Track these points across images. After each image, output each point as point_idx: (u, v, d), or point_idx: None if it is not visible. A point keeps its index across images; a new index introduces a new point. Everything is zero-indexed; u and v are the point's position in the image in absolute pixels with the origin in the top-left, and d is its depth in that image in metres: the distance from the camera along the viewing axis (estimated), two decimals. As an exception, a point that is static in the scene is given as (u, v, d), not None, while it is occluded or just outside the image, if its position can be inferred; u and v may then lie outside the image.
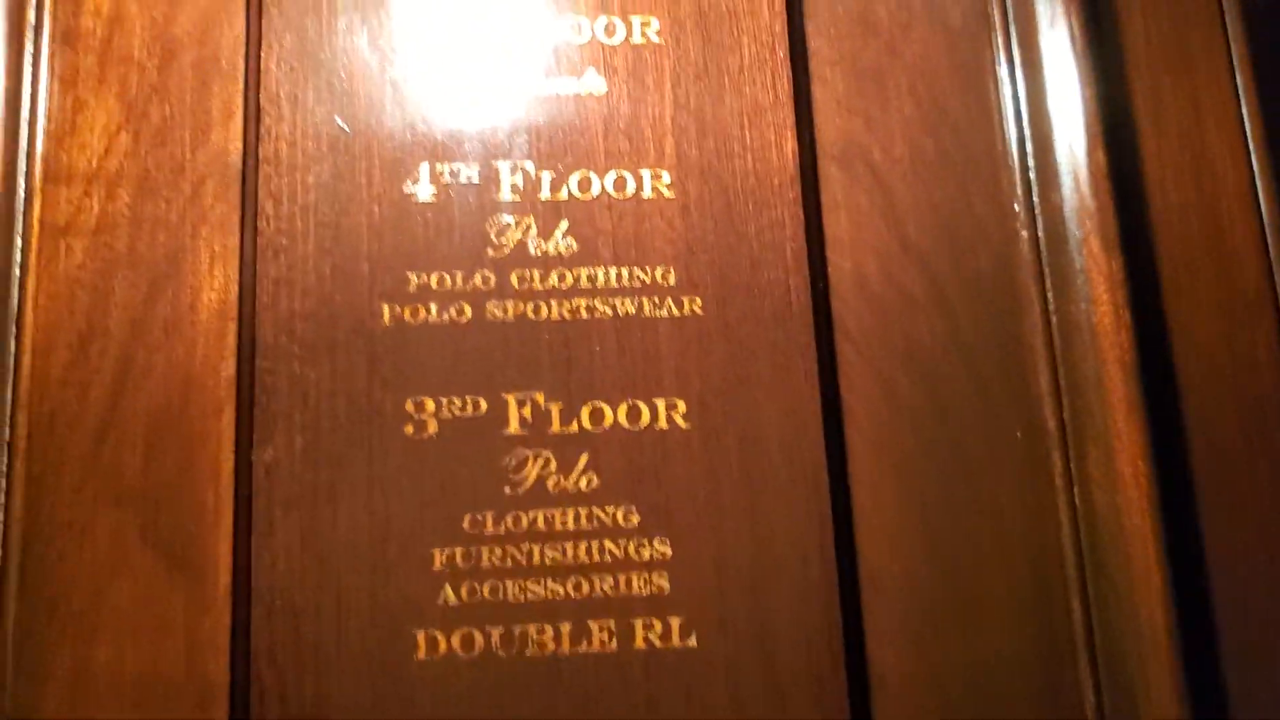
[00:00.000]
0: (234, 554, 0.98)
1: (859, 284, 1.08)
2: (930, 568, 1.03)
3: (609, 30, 1.10)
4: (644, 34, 1.10)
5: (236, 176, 1.06)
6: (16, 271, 1.02)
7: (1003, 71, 1.14)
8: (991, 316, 1.08)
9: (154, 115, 1.08)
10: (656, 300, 1.05)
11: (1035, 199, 1.09)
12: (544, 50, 1.10)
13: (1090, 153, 1.07)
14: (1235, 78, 1.14)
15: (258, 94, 1.07)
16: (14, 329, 1.01)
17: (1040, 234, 1.08)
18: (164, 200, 1.06)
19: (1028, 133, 1.11)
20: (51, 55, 1.08)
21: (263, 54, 1.07)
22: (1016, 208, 1.10)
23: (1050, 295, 1.07)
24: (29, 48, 1.07)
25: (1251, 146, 1.12)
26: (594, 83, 1.09)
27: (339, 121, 1.06)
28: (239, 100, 1.08)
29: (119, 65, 1.08)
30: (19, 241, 1.03)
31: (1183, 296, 1.10)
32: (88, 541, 0.98)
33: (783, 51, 1.11)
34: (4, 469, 0.98)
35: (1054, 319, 1.06)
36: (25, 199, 1.04)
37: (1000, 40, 1.14)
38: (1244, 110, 1.13)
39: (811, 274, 1.07)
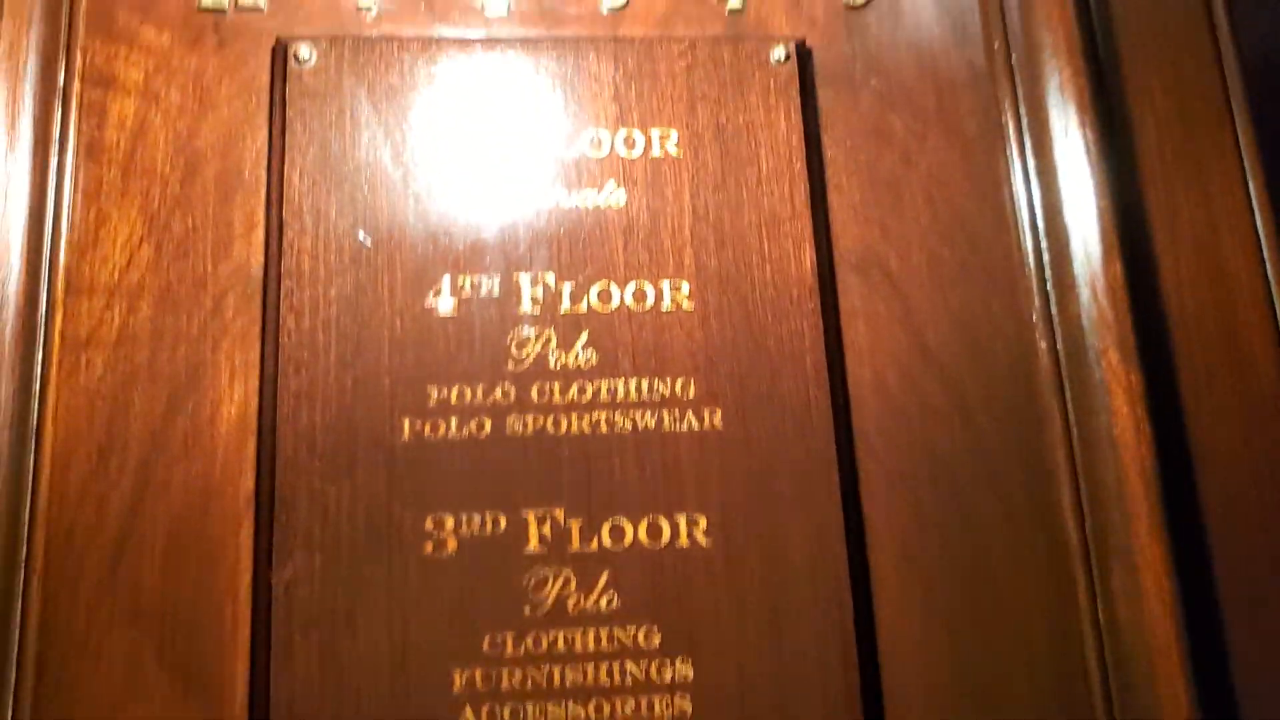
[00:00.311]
0: (251, 675, 0.97)
1: (880, 394, 1.08)
2: (954, 685, 1.02)
3: (629, 143, 1.11)
4: (663, 147, 1.11)
5: (258, 289, 1.07)
6: (37, 385, 1.03)
7: (1018, 181, 1.14)
8: (1013, 428, 1.07)
9: (176, 228, 1.08)
10: (677, 414, 1.04)
11: (1053, 309, 1.09)
12: (565, 163, 1.11)
13: (1106, 263, 1.07)
14: (1248, 185, 1.15)
15: (280, 207, 1.08)
16: (34, 443, 1.01)
17: (1059, 345, 1.08)
18: (185, 313, 1.06)
19: (1044, 242, 1.11)
20: (75, 168, 1.09)
21: (286, 167, 1.08)
22: (1034, 318, 1.10)
23: (1071, 407, 1.06)
24: (54, 160, 1.08)
25: (1266, 253, 1.13)
26: (614, 195, 1.10)
27: (361, 235, 1.07)
28: (261, 213, 1.09)
29: (142, 178, 1.09)
30: (40, 354, 1.04)
31: (1202, 404, 1.10)
32: (103, 663, 0.97)
33: (799, 163, 1.12)
34: (20, 588, 0.97)
35: (1075, 431, 1.06)
36: (47, 312, 1.05)
37: (1015, 150, 1.15)
38: (1258, 217, 1.14)
39: (832, 385, 1.07)
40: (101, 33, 1.13)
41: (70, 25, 1.12)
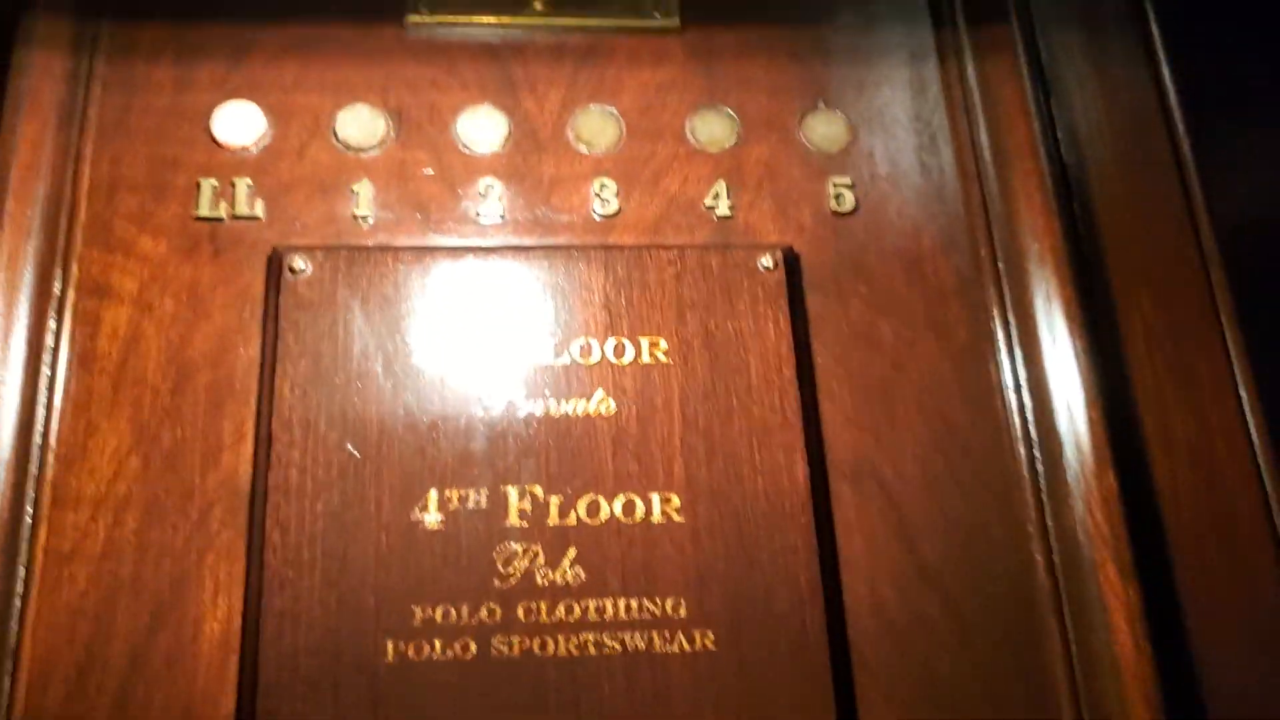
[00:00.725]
0: None
1: (877, 613, 1.06)
2: None
3: (618, 351, 1.12)
4: (653, 354, 1.12)
5: (245, 502, 1.06)
6: (17, 602, 1.01)
7: (1009, 389, 1.15)
8: (1011, 647, 1.05)
9: (165, 439, 1.08)
10: (667, 634, 1.02)
11: (1049, 520, 1.08)
12: (555, 371, 1.11)
13: (1100, 475, 1.07)
14: (1240, 392, 1.14)
15: (270, 419, 1.07)
16: (10, 663, 0.99)
17: (1056, 558, 1.07)
18: (171, 525, 1.05)
19: (1038, 453, 1.11)
20: (67, 378, 1.09)
21: (277, 379, 1.08)
22: (1031, 529, 1.09)
23: (1069, 623, 1.05)
24: (45, 371, 1.09)
25: (1262, 463, 1.11)
26: (604, 403, 1.10)
27: (350, 448, 1.06)
28: (251, 424, 1.09)
29: (133, 387, 1.10)
30: (21, 569, 1.02)
31: (1203, 617, 1.08)
32: None
33: (789, 370, 1.12)
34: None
35: (1074, 648, 1.04)
36: (31, 525, 1.04)
37: (1005, 358, 1.16)
38: (1251, 426, 1.13)
39: (827, 601, 1.05)
40: (99, 243, 1.14)
41: (69, 235, 1.14)
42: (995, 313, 1.18)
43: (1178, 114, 1.20)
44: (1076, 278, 1.17)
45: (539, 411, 1.09)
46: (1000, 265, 1.19)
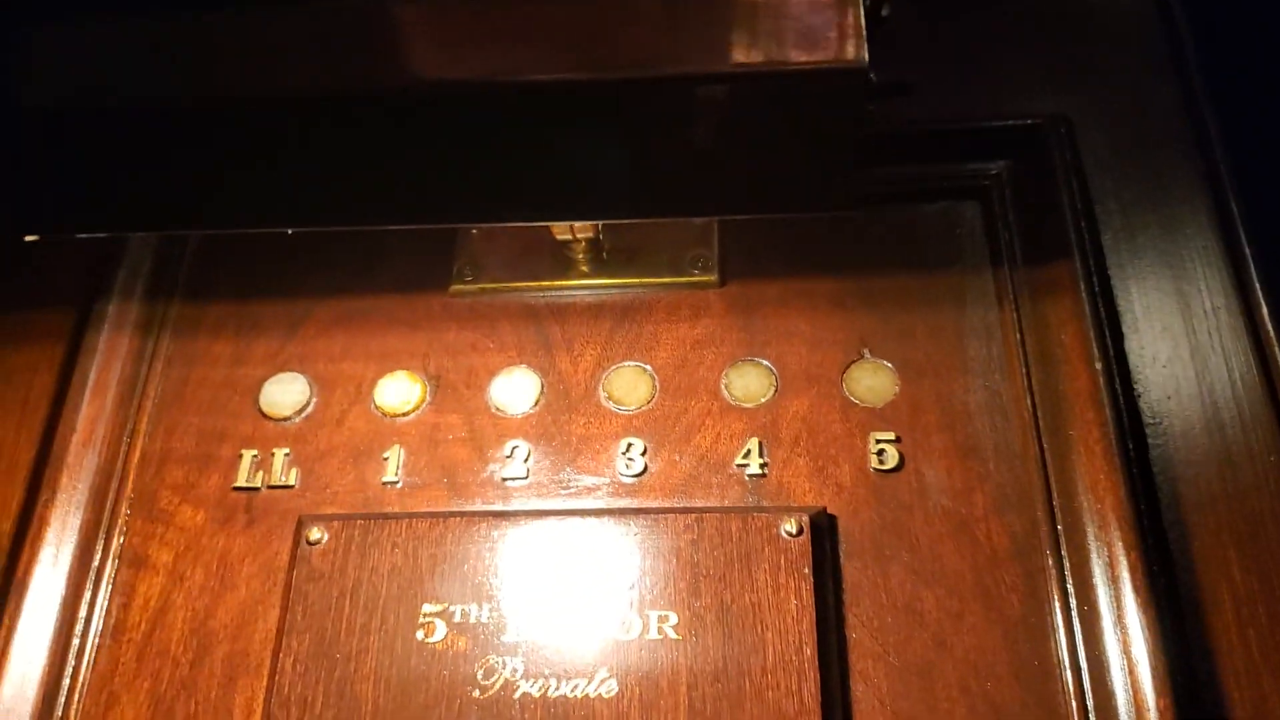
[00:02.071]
0: None
1: None
2: None
3: (625, 626, 1.05)
4: (660, 629, 1.04)
5: (248, 783, 1.04)
6: None
7: (1066, 669, 1.01)
8: None
9: (179, 713, 1.08)
10: None
11: (1111, 832, 0.92)
12: (555, 649, 1.05)
13: (1174, 783, 0.90)
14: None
15: (272, 696, 1.06)
16: None
17: None
18: (177, 806, 1.03)
19: (1098, 752, 0.95)
20: (96, 649, 1.11)
21: (281, 653, 1.07)
22: None
23: None
24: (74, 643, 1.11)
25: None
26: (605, 684, 1.02)
27: (345, 732, 1.03)
28: (260, 700, 1.07)
29: (155, 659, 1.11)
30: None
31: None
32: None
33: (810, 650, 1.02)
34: None
35: None
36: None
37: (1063, 634, 1.02)
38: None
39: None
40: (143, 513, 1.19)
41: (114, 507, 1.18)
42: (1053, 581, 1.05)
43: (1275, 354, 1.08)
44: (1148, 540, 1.03)
45: (535, 692, 1.03)
46: (1059, 528, 1.07)
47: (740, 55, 0.88)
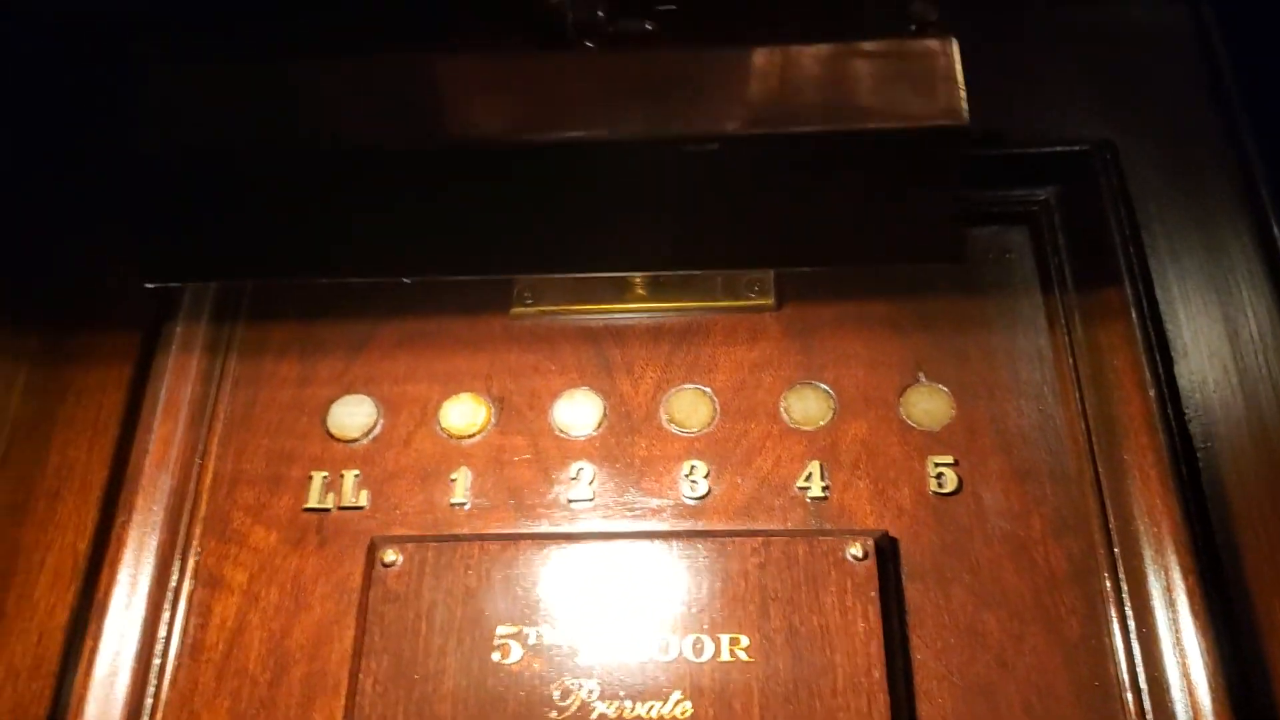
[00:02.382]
0: None
1: None
2: None
3: (697, 648, 1.08)
4: (732, 651, 1.08)
5: (330, 801, 1.07)
6: None
7: (1126, 689, 1.04)
8: None
9: (260, 732, 1.11)
10: None
11: None
12: (631, 670, 1.08)
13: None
14: None
15: (353, 715, 1.09)
16: None
17: None
18: (261, 824, 1.06)
19: (1160, 767, 0.99)
20: (176, 669, 1.14)
21: (361, 674, 1.10)
22: None
23: None
24: (155, 663, 1.14)
25: None
26: (680, 706, 1.06)
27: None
28: (339, 719, 1.10)
29: (234, 678, 1.14)
30: None
31: None
32: None
33: (879, 671, 1.05)
34: None
35: None
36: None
37: (1122, 655, 1.06)
38: None
39: None
40: (217, 534, 1.21)
41: (189, 528, 1.21)
42: (1111, 604, 1.08)
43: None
44: (1204, 563, 1.06)
45: (611, 713, 1.06)
46: (1116, 550, 1.10)
47: (845, 113, 0.91)
